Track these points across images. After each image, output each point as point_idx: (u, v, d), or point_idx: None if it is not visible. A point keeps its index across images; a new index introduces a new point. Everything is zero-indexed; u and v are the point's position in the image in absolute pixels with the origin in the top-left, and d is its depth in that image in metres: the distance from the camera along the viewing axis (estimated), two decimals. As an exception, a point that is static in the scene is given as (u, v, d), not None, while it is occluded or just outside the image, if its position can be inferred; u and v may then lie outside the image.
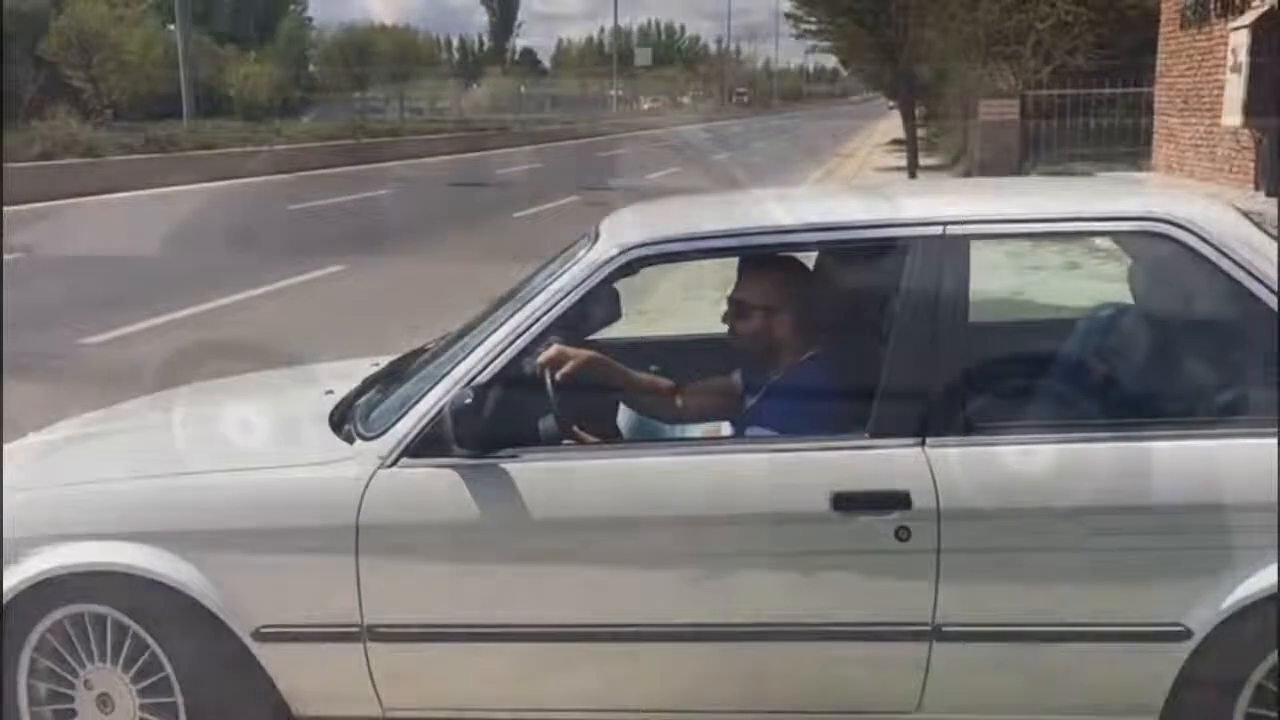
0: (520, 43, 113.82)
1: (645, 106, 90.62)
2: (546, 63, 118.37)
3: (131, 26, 47.67)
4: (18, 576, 2.77)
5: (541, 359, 2.85)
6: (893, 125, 55.78)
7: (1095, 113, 18.69)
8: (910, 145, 21.78)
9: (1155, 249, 2.84)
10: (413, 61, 77.64)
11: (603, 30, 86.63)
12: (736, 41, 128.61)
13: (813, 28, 20.54)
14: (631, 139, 45.87)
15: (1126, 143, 18.68)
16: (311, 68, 76.01)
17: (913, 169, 21.39)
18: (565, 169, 28.53)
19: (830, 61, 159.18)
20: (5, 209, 13.94)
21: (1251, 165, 12.56)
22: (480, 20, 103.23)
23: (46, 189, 16.94)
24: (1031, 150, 19.24)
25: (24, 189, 16.18)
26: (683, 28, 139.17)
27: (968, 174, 20.35)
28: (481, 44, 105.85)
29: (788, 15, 20.52)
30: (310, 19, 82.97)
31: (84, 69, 43.76)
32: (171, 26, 55.62)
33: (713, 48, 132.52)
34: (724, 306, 3.18)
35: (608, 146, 39.13)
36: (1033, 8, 18.02)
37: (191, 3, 71.29)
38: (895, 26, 19.58)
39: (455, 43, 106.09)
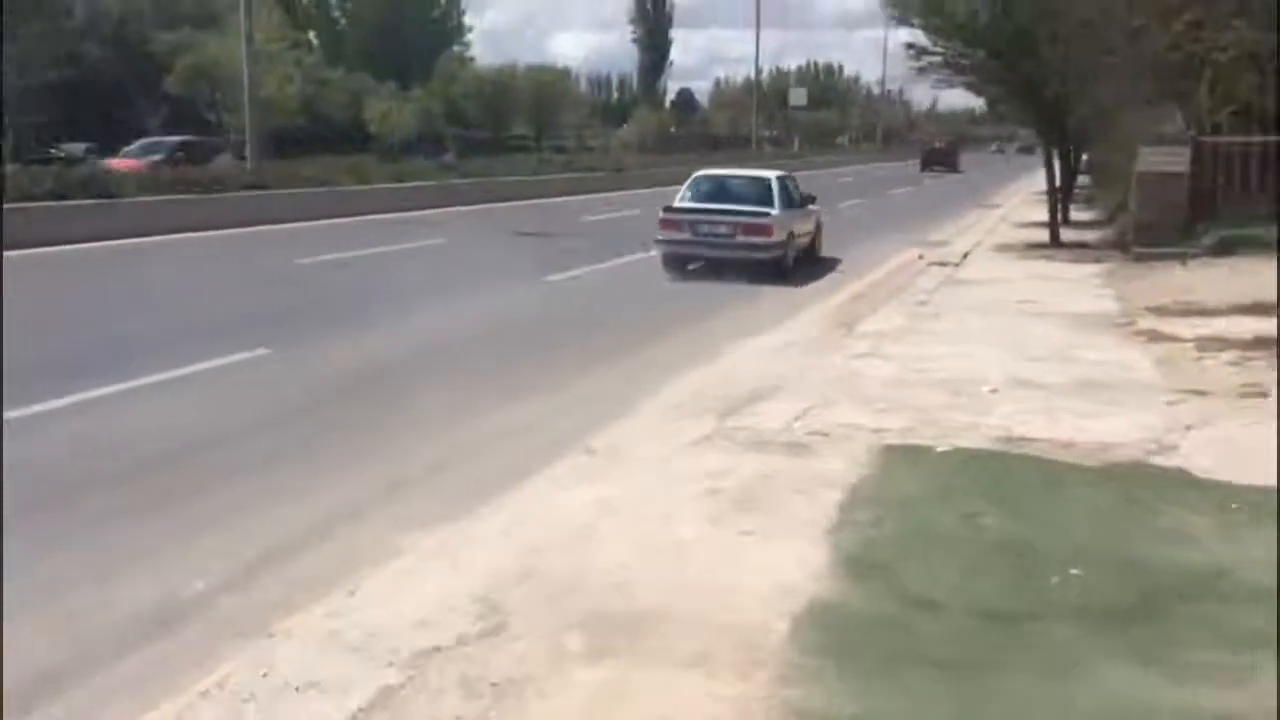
0: (676, 83, 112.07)
1: (795, 148, 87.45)
2: (704, 102, 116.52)
3: (270, 62, 47.58)
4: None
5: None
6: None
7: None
8: (1052, 198, 18.36)
9: None
10: (562, 100, 77.10)
11: (761, 70, 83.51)
12: (900, 83, 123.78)
13: (938, 59, 17.45)
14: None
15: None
16: (463, 105, 75.94)
17: (1055, 227, 17.96)
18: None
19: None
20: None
21: None
22: (633, 59, 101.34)
23: (53, 232, 15.22)
24: (1205, 209, 15.64)
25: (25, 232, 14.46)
26: (841, 67, 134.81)
27: (1121, 236, 16.84)
28: (635, 83, 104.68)
29: (909, 45, 17.56)
30: (472, 58, 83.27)
31: (213, 104, 43.57)
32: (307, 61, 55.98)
33: (875, 89, 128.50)
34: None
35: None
36: (1210, 36, 14.52)
37: (355, 43, 72.82)
38: (1038, 59, 16.30)
39: (615, 82, 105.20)
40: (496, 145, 66.84)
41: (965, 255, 16.32)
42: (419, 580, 4.35)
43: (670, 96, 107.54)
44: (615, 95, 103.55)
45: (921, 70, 17.79)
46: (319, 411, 7.47)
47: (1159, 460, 5.64)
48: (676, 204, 15.67)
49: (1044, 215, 24.06)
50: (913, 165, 65.78)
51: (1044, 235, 18.53)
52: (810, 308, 12.03)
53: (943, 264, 15.42)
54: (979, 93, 24.04)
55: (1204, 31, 14.79)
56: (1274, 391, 7.07)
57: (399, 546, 4.93)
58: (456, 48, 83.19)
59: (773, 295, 13.07)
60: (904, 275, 14.68)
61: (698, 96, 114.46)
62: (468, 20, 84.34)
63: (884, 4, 18.04)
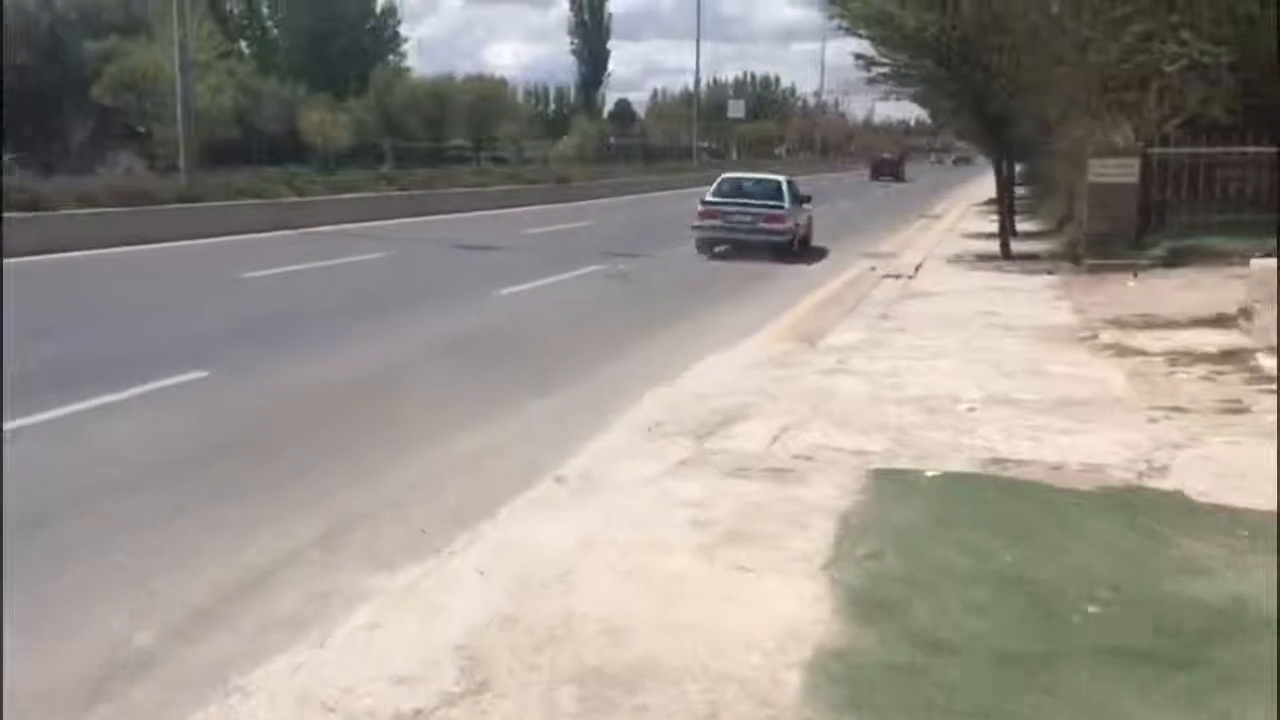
0: (614, 94, 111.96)
1: (734, 158, 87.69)
2: (641, 113, 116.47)
3: (203, 72, 46.62)
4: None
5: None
6: (991, 183, 52.15)
7: (1239, 175, 15.13)
8: (1003, 209, 18.37)
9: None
10: (500, 111, 76.67)
11: (699, 82, 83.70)
12: (835, 95, 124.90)
13: (886, 71, 17.39)
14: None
15: (1273, 212, 15.06)
16: (400, 115, 75.13)
17: (1006, 239, 17.97)
18: (609, 230, 25.63)
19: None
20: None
21: None
22: (572, 71, 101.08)
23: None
24: (1154, 219, 15.72)
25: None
26: (778, 79, 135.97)
27: (1070, 247, 16.89)
28: (574, 94, 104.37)
29: (857, 56, 17.48)
30: (408, 68, 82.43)
31: (141, 114, 42.55)
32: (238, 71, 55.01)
33: (811, 100, 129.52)
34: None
35: (675, 202, 36.19)
36: (1159, 47, 14.56)
37: (287, 53, 71.67)
38: (985, 69, 16.28)
39: (552, 93, 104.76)
40: (434, 156, 66.27)
41: (918, 267, 16.24)
42: (392, 628, 4.02)
43: (608, 108, 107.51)
44: (553, 106, 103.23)
45: (870, 81, 17.72)
46: (264, 440, 7.05)
47: (1153, 483, 5.46)
48: (710, 198, 19.51)
49: (989, 226, 24.23)
50: (852, 175, 66.43)
51: (993, 246, 18.55)
52: (768, 324, 11.81)
53: (896, 276, 15.32)
54: (925, 104, 24.11)
55: (1153, 43, 14.86)
56: (1256, 408, 6.96)
57: (366, 588, 4.59)
58: (392, 58, 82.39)
59: (732, 307, 12.84)
60: (859, 287, 14.54)
61: (635, 107, 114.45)
62: (403, 31, 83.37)
63: (832, 15, 17.93)
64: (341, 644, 3.89)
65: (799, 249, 19.31)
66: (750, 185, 20.21)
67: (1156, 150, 15.41)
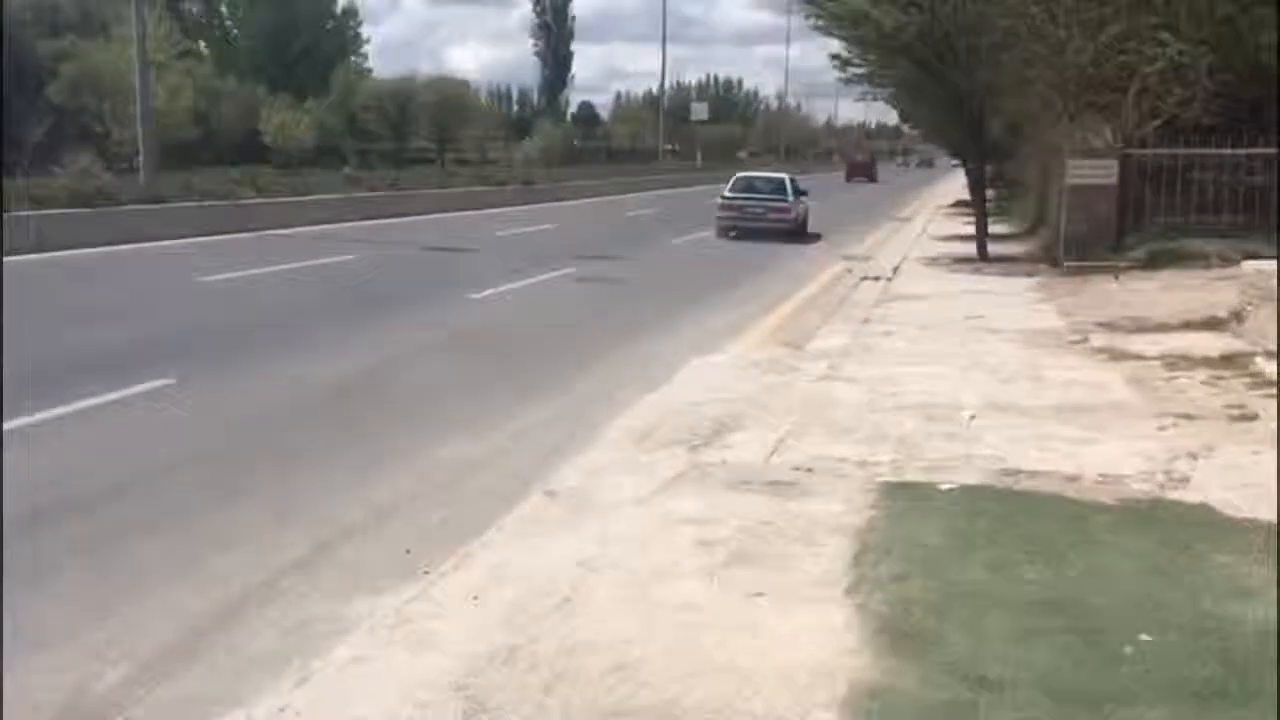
0: (578, 96, 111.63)
1: (698, 161, 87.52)
2: (604, 115, 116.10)
3: (161, 72, 45.75)
4: None
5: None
6: (955, 186, 52.27)
7: (1216, 177, 15.03)
8: (980, 212, 18.21)
9: None
10: (464, 112, 76.13)
11: (661, 84, 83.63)
12: (798, 98, 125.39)
13: (862, 71, 17.19)
14: (674, 196, 42.69)
15: (1251, 213, 15.04)
16: (363, 116, 74.34)
17: (983, 240, 17.81)
18: (580, 230, 25.28)
19: (892, 118, 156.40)
20: None
21: None
22: (535, 73, 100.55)
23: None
24: (1132, 221, 15.60)
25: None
26: (740, 82, 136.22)
27: (1046, 249, 16.74)
28: (537, 96, 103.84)
29: (833, 56, 17.27)
30: (369, 69, 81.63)
31: (99, 115, 41.70)
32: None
33: (773, 103, 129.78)
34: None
35: (641, 205, 35.92)
36: (1137, 48, 14.43)
37: (247, 53, 70.68)
38: (964, 70, 16.10)
39: (514, 95, 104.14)
40: (397, 157, 65.62)
41: (896, 269, 16.03)
42: (381, 663, 3.67)
43: (572, 110, 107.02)
44: (516, 108, 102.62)
45: (847, 82, 17.50)
46: (235, 452, 6.65)
47: (1177, 495, 5.20)
48: (728, 194, 23.50)
49: (960, 229, 24.11)
50: (817, 178, 66.45)
51: (968, 248, 18.39)
52: (748, 328, 11.51)
53: (875, 278, 15.09)
54: (899, 105, 23.96)
55: (1131, 44, 14.73)
56: (1263, 414, 6.75)
57: (349, 617, 4.24)
58: (353, 59, 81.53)
59: (709, 310, 12.53)
60: (838, 289, 14.30)
61: (598, 110, 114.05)
62: (364, 31, 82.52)
63: (808, 14, 17.69)
64: (325, 683, 3.54)
65: (801, 230, 23.79)
66: (760, 182, 24.36)
67: (1135, 152, 15.28)
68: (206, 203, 21.32)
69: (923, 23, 15.65)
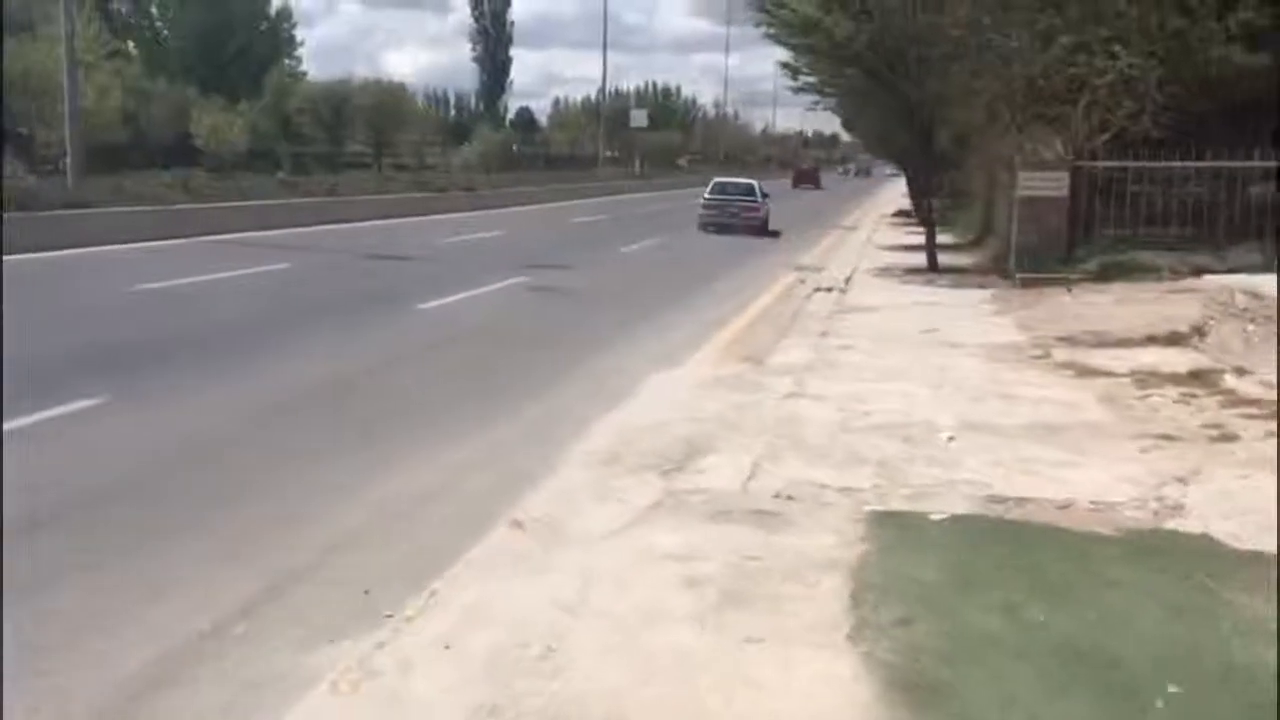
0: (516, 102, 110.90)
1: (637, 168, 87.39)
2: (543, 120, 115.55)
3: (89, 72, 44.50)
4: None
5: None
6: (895, 195, 52.69)
7: (1165, 190, 15.09)
8: (929, 223, 18.15)
9: None
10: (401, 116, 75.23)
11: (600, 91, 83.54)
12: (735, 106, 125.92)
13: (812, 80, 17.05)
14: (616, 204, 42.46)
15: (1203, 226, 15.13)
16: (297, 120, 73.12)
17: (933, 252, 17.75)
18: (527, 238, 24.90)
19: (829, 126, 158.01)
20: None
21: None
22: (474, 78, 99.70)
23: None
24: (1082, 233, 15.61)
25: None
26: (679, 89, 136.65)
27: (996, 261, 16.72)
28: (475, 102, 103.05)
29: (784, 65, 17.11)
30: (304, 72, 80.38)
31: (24, 116, 40.40)
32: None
33: (711, 111, 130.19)
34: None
35: (585, 212, 35.63)
36: (1088, 60, 14.43)
37: (178, 54, 69.13)
38: (914, 80, 16.02)
39: (451, 100, 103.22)
40: (333, 162, 64.55)
41: (848, 280, 15.88)
42: (348, 726, 3.32)
43: (510, 115, 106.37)
44: (453, 113, 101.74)
45: (797, 90, 17.35)
46: (171, 481, 6.20)
47: (1174, 524, 5.01)
48: (708, 196, 28.36)
49: (906, 239, 24.16)
50: (765, 184, 66.66)
51: (917, 259, 18.34)
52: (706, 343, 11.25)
53: (828, 289, 14.92)
54: (847, 114, 23.91)
55: (1080, 56, 14.74)
56: (1244, 435, 6.61)
57: (307, 670, 3.87)
58: (287, 61, 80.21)
59: (666, 322, 12.25)
60: (792, 301, 14.10)
61: (537, 116, 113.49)
62: (299, 34, 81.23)
63: (759, 22, 17.50)
64: (288, 754, 3.18)
65: (765, 227, 28.08)
66: (732, 187, 29.35)
67: (1085, 164, 15.28)
68: (139, 207, 20.61)
69: (874, 32, 15.54)
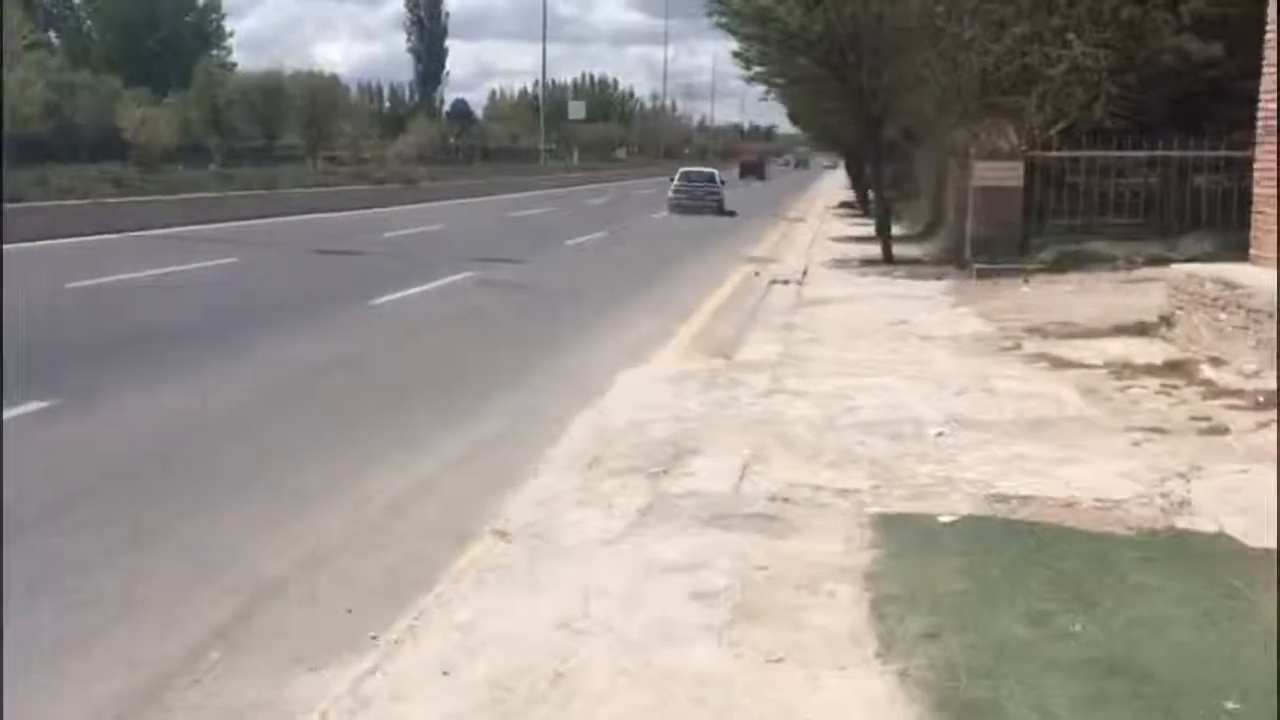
0: (452, 94, 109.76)
1: (574, 160, 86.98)
2: (479, 113, 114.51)
3: (10, 63, 43.12)
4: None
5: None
6: (834, 186, 52.93)
7: (1117, 181, 15.13)
8: (883, 214, 18.08)
9: None
10: (334, 110, 73.98)
11: (536, 83, 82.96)
12: (673, 99, 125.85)
13: (763, 70, 16.87)
14: (556, 197, 42.08)
15: (1153, 215, 15.20)
16: (228, 113, 71.61)
17: (887, 242, 17.67)
18: (471, 232, 24.48)
19: (764, 119, 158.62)
20: None
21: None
22: (408, 70, 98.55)
23: None
24: (1035, 223, 15.62)
25: None
26: (616, 81, 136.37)
27: (950, 251, 16.68)
28: (410, 94, 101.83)
29: (736, 54, 16.92)
30: (234, 64, 78.82)
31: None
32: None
33: (648, 104, 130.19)
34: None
35: (525, 205, 35.22)
36: (1041, 49, 14.40)
37: (103, 45, 67.40)
38: (868, 70, 15.91)
39: (385, 92, 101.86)
40: (266, 155, 63.30)
41: (805, 273, 15.72)
42: (346, 769, 3.03)
43: (446, 107, 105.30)
44: (388, 105, 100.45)
45: (750, 80, 17.15)
46: (126, 492, 5.83)
47: (1185, 523, 4.85)
48: (677, 182, 34.41)
49: (854, 230, 24.14)
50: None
51: (870, 250, 18.27)
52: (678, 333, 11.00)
53: (785, 281, 14.75)
54: (791, 105, 23.79)
55: (1034, 46, 14.70)
56: (1234, 427, 6.51)
57: (290, 702, 3.56)
58: (216, 52, 78.63)
59: (626, 316, 11.99)
60: (751, 295, 13.90)
61: (471, 108, 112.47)
62: (227, 25, 79.64)
63: (711, 11, 17.26)
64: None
65: (722, 207, 33.40)
66: (696, 175, 36.34)
67: (1038, 154, 15.26)
68: (66, 202, 19.89)
69: (828, 22, 15.38)
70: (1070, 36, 14.28)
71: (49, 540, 4.99)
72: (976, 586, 4.07)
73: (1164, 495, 5.24)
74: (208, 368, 8.75)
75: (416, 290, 13.39)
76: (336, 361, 9.32)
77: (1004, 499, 5.20)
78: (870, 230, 22.72)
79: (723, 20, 16.84)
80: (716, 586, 4.14)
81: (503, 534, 4.93)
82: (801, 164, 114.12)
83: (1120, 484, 5.43)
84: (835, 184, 59.81)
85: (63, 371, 8.23)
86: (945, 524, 4.80)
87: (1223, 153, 14.42)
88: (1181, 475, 5.55)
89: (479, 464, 6.32)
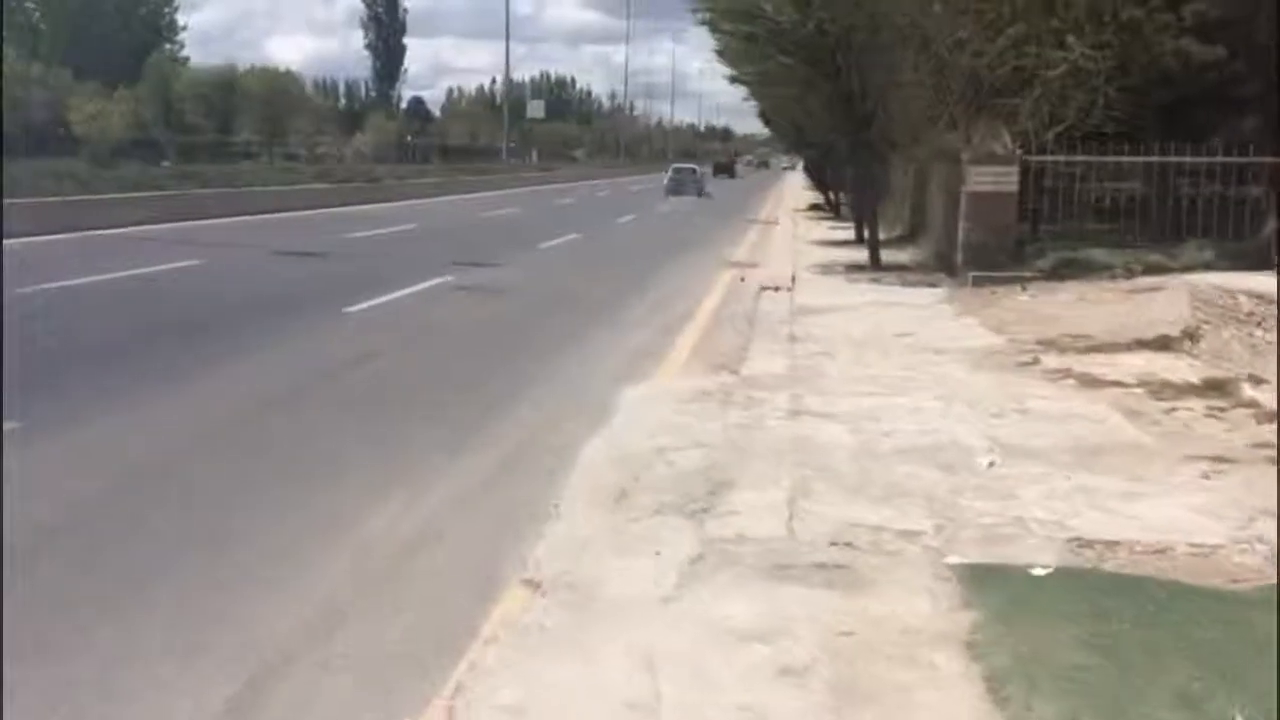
0: (409, 91, 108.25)
1: (534, 159, 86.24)
2: (436, 111, 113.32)
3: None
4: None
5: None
6: (796, 187, 52.70)
7: (1114, 186, 14.80)
8: (872, 218, 17.64)
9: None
10: (291, 106, 72.79)
11: (494, 81, 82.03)
12: (632, 99, 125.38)
13: (750, 70, 16.36)
14: (521, 196, 41.44)
15: (1150, 222, 14.89)
16: (181, 108, 70.11)
17: (875, 247, 17.24)
18: (443, 232, 23.79)
19: (721, 120, 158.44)
20: None
21: None
22: (366, 67, 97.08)
23: None
24: (1030, 229, 15.25)
25: None
26: (574, 80, 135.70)
27: (938, 258, 16.27)
28: (368, 91, 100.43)
29: (718, 51, 16.41)
30: (186, 58, 77.21)
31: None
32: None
33: (606, 103, 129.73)
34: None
35: (493, 205, 34.54)
36: (1038, 52, 14.01)
37: (51, 38, 65.63)
38: (859, 70, 15.46)
39: (341, 88, 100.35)
40: (220, 151, 61.99)
41: (794, 279, 15.22)
42: None
43: (403, 105, 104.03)
44: (344, 102, 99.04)
45: (733, 80, 16.65)
46: (106, 527, 5.20)
47: (1295, 572, 4.38)
48: (670, 174, 50.59)
49: (831, 234, 23.75)
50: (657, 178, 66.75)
51: (852, 255, 17.84)
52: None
53: (775, 288, 14.23)
54: (763, 103, 23.27)
55: (1030, 48, 14.32)
56: (1303, 455, 6.07)
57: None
58: (169, 47, 77.07)
59: (620, 325, 11.43)
60: (741, 302, 13.37)
61: (428, 106, 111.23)
62: (180, 19, 78.01)
63: (695, 8, 16.72)
64: None
65: (702, 191, 46.55)
66: (684, 168, 51.92)
67: (1034, 159, 14.88)
68: (16, 200, 18.97)
69: (819, 20, 14.91)
70: (1069, 38, 13.89)
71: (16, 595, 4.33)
72: (1102, 661, 3.55)
73: (1259, 539, 4.76)
74: (178, 383, 8.08)
75: (391, 296, 12.70)
76: (313, 377, 8.67)
77: (1087, 544, 4.70)
78: (848, 234, 22.34)
79: (707, 17, 16.34)
80: (802, 660, 3.58)
81: (534, 585, 4.36)
82: (762, 164, 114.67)
83: (1204, 524, 4.97)
84: (796, 184, 59.78)
85: (26, 387, 7.49)
86: (1038, 578, 4.28)
87: (1221, 159, 14.13)
88: (1268, 513, 5.08)
89: (489, 498, 5.73)
